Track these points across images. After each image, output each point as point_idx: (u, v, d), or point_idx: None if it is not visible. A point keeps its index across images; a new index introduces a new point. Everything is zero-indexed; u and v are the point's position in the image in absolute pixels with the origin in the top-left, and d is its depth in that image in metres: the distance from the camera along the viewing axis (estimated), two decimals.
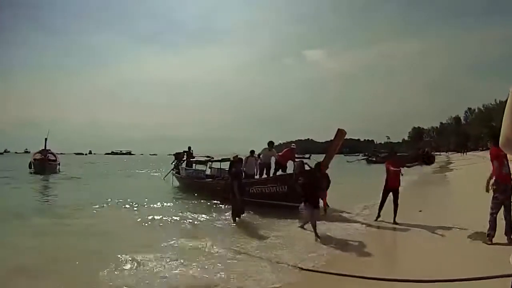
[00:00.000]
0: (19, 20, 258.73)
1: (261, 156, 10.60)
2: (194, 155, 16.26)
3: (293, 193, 8.63)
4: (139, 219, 7.70)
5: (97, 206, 9.36)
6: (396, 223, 6.94)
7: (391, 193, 7.19)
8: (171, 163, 17.86)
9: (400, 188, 7.41)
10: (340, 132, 8.10)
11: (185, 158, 16.25)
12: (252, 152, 11.33)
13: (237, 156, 11.28)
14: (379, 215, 7.30)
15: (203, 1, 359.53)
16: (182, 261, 4.62)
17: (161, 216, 7.84)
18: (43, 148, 24.91)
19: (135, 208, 9.19)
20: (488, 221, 4.93)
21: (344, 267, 4.27)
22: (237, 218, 7.61)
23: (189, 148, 16.88)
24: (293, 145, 10.81)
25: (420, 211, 8.18)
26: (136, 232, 6.70)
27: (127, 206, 9.53)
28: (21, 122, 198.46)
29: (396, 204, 7.12)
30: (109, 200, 10.31)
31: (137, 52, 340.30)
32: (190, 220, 7.70)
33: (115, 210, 9.17)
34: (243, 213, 7.76)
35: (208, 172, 13.73)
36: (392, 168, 7.12)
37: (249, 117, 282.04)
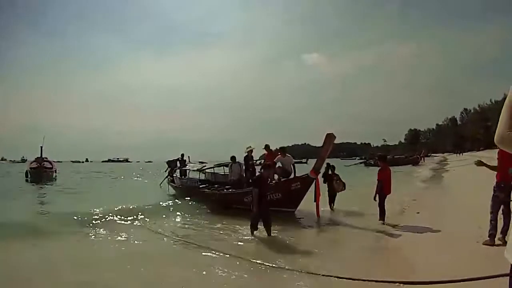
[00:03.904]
0: (17, 23, 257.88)
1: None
2: (187, 162, 16.04)
3: (287, 199, 8.74)
4: None
5: None
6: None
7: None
8: (164, 171, 17.69)
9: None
10: (329, 136, 8.13)
11: (178, 166, 16.05)
12: (233, 158, 11.34)
13: (251, 149, 10.85)
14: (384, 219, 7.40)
15: (201, 5, 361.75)
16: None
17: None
18: (39, 156, 24.94)
19: None
20: (490, 220, 4.82)
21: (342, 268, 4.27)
22: (255, 232, 6.56)
23: (182, 155, 16.69)
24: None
25: (418, 212, 8.24)
26: None
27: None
28: (17, 129, 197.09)
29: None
30: None
31: (135, 56, 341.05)
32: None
33: None
34: (269, 227, 6.47)
35: (202, 177, 13.56)
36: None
37: (248, 120, 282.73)
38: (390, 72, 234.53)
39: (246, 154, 10.81)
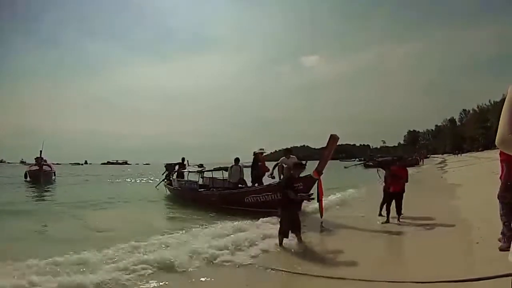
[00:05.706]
0: (16, 30, 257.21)
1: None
2: (185, 164, 15.93)
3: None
4: None
5: None
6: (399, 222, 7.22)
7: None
8: (162, 174, 17.68)
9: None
10: (333, 138, 8.08)
11: (176, 169, 15.89)
12: (237, 160, 11.26)
13: (262, 151, 10.75)
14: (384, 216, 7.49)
15: (199, 9, 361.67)
16: None
17: None
18: (38, 156, 25.30)
19: None
20: (503, 223, 4.49)
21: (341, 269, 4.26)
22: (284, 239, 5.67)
23: (183, 159, 16.53)
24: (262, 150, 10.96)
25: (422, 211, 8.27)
26: None
27: None
28: (16, 132, 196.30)
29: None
30: None
31: (133, 60, 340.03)
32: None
33: None
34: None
35: (200, 182, 13.46)
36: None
37: (247, 123, 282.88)
38: (389, 72, 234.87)
39: (257, 153, 10.71)
